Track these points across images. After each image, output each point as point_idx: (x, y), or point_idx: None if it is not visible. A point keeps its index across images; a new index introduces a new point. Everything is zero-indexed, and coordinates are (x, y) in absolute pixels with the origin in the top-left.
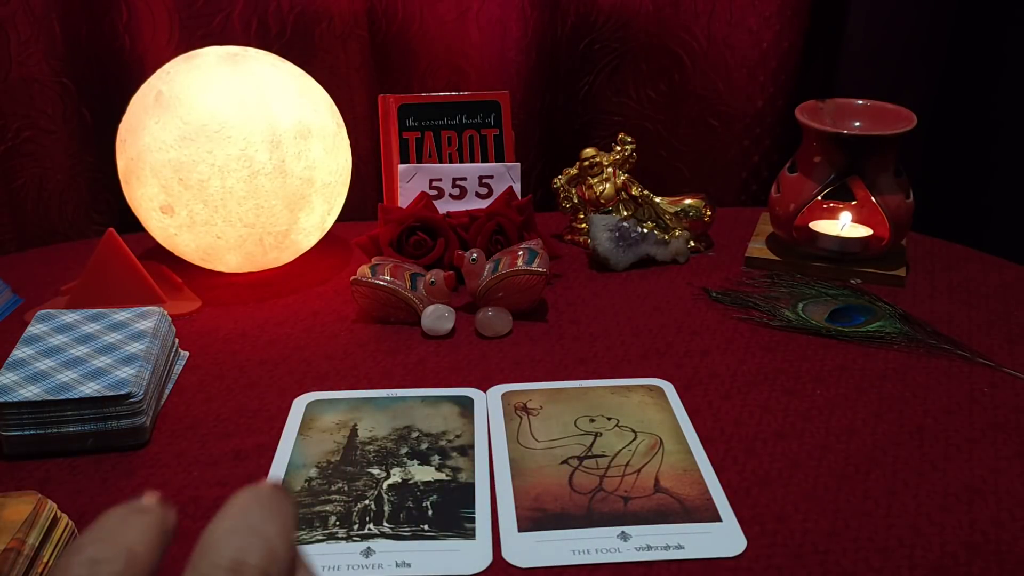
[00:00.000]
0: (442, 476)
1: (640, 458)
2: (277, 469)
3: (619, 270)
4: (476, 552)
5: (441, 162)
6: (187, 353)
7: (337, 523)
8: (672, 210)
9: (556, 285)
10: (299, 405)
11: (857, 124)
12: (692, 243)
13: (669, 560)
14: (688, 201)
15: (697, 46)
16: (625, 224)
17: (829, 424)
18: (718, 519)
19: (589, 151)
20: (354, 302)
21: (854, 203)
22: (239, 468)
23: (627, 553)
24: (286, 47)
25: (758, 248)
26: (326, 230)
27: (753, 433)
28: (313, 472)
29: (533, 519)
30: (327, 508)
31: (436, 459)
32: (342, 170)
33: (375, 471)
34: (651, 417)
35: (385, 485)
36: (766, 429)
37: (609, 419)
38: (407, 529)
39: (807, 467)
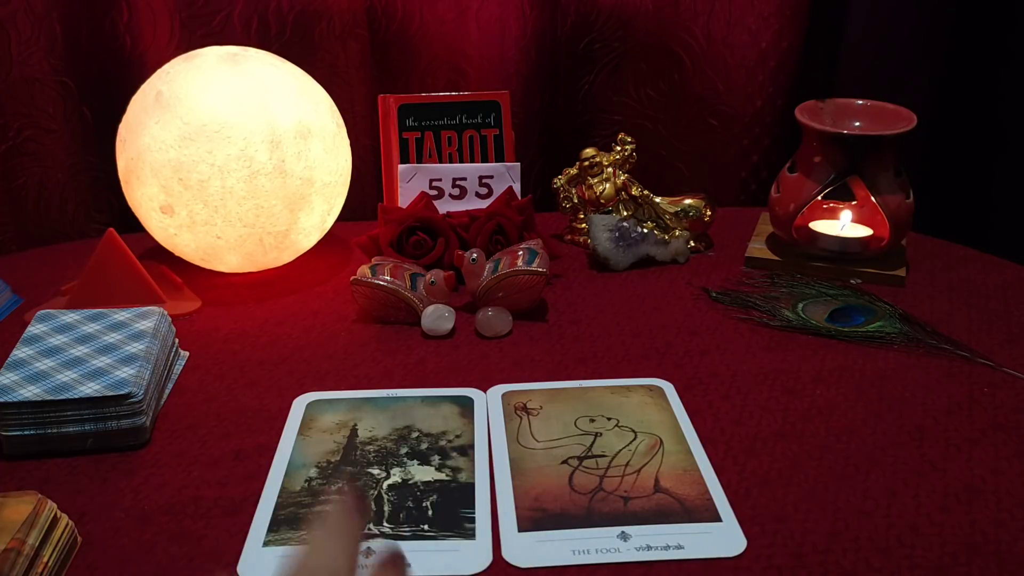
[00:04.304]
0: (442, 476)
1: (640, 458)
2: (277, 469)
3: (619, 270)
4: (476, 552)
5: (441, 162)
6: (187, 353)
7: None
8: (672, 210)
9: (556, 285)
10: (299, 405)
11: (857, 124)
12: (692, 243)
13: (669, 560)
14: (688, 201)
15: (697, 46)
16: (625, 224)
17: (829, 424)
18: (718, 519)
19: (589, 151)
20: (354, 302)
21: (854, 203)
22: (239, 468)
23: (627, 553)
24: (286, 46)
25: (758, 248)
26: (326, 230)
27: (753, 433)
28: (313, 472)
29: (533, 519)
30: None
31: (436, 459)
32: (342, 170)
33: (375, 471)
34: (651, 417)
35: (385, 485)
36: (766, 429)
37: (609, 419)
38: (407, 529)
39: (807, 467)
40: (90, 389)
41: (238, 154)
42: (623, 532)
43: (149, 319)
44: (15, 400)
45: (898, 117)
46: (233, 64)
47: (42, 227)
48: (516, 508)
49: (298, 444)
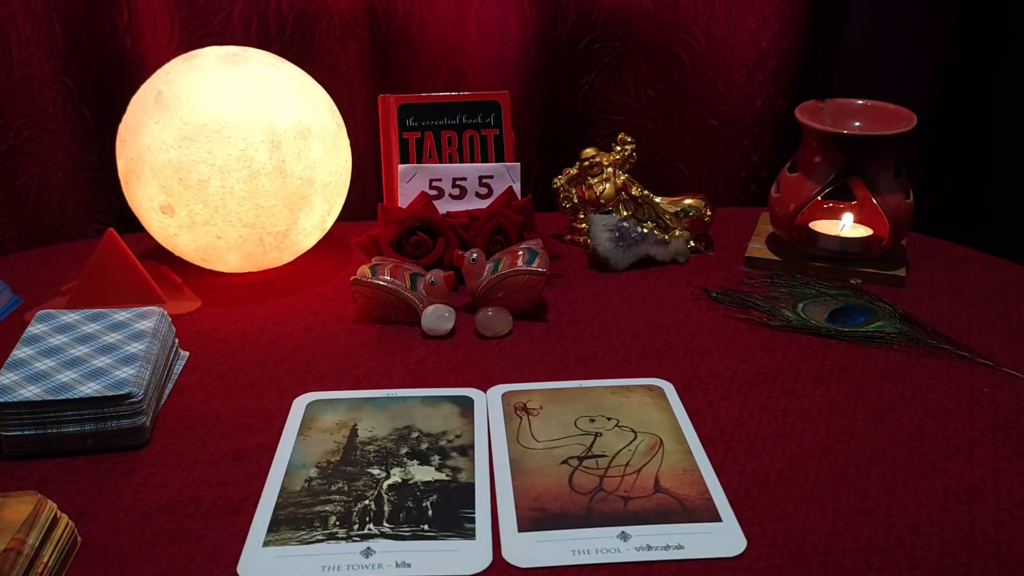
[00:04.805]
0: (442, 476)
1: (640, 458)
2: (277, 469)
3: (619, 270)
4: (476, 552)
5: (441, 162)
6: (187, 353)
7: (337, 523)
8: (672, 210)
9: (556, 285)
10: (299, 405)
11: (857, 124)
12: (692, 243)
13: (669, 560)
14: (688, 201)
15: (696, 46)
16: (625, 224)
17: (829, 424)
18: (718, 519)
19: (589, 151)
20: (354, 302)
21: (854, 203)
22: (239, 468)
23: (627, 553)
24: (286, 46)
25: (758, 248)
26: (326, 230)
27: (753, 433)
28: (313, 472)
29: (533, 519)
30: (327, 508)
31: (436, 459)
32: (342, 170)
33: (375, 471)
34: (651, 417)
35: (385, 485)
36: (766, 429)
37: (609, 419)
38: (407, 529)
39: (807, 467)
40: (90, 389)
41: (238, 154)
42: (623, 532)
43: (149, 319)
44: (15, 400)
45: (898, 117)
46: (233, 64)
47: (42, 227)
48: (516, 508)
49: (298, 444)
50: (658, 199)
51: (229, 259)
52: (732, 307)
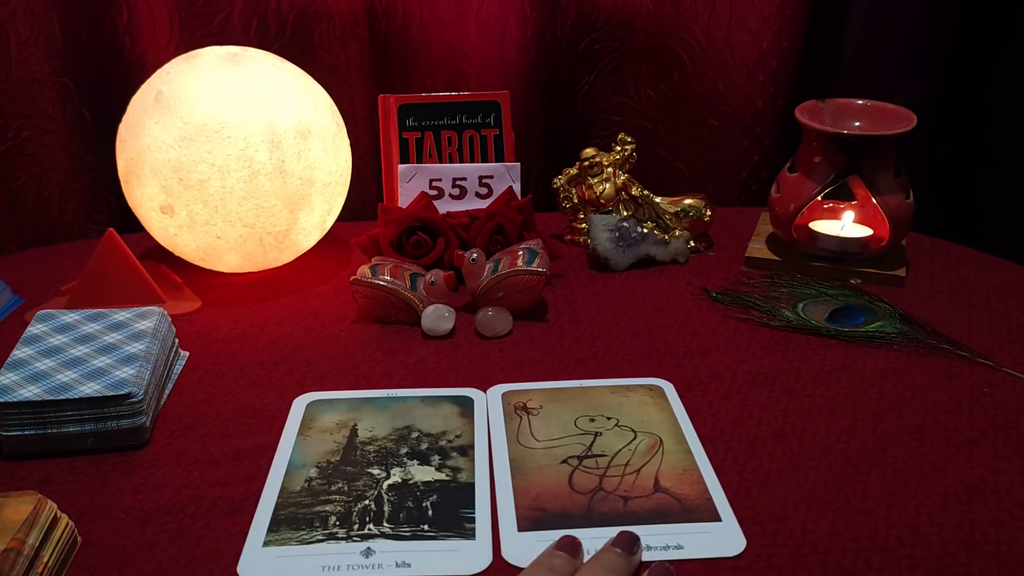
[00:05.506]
0: (442, 476)
1: (640, 458)
2: (277, 469)
3: (619, 270)
4: (476, 552)
5: (441, 162)
6: (187, 353)
7: (337, 523)
8: (672, 210)
9: (556, 285)
10: (299, 405)
11: (857, 124)
12: (692, 243)
13: (669, 560)
14: (688, 201)
15: (697, 46)
16: (625, 224)
17: (829, 424)
18: (718, 519)
19: (589, 151)
20: (354, 302)
21: (854, 203)
22: (239, 468)
23: None
24: (286, 47)
25: (758, 248)
26: (326, 230)
27: (753, 433)
28: (313, 472)
29: (533, 519)
30: (327, 508)
31: (436, 459)
32: (342, 170)
33: (375, 471)
34: (651, 417)
35: (385, 485)
36: (766, 429)
37: (609, 419)
38: (407, 529)
39: (807, 467)
40: (90, 389)
41: (238, 154)
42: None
43: (149, 319)
44: (15, 400)
45: (898, 117)
46: (233, 64)
47: (42, 227)
48: (516, 508)
49: (298, 444)
50: (658, 199)
51: (229, 259)
52: (732, 307)
